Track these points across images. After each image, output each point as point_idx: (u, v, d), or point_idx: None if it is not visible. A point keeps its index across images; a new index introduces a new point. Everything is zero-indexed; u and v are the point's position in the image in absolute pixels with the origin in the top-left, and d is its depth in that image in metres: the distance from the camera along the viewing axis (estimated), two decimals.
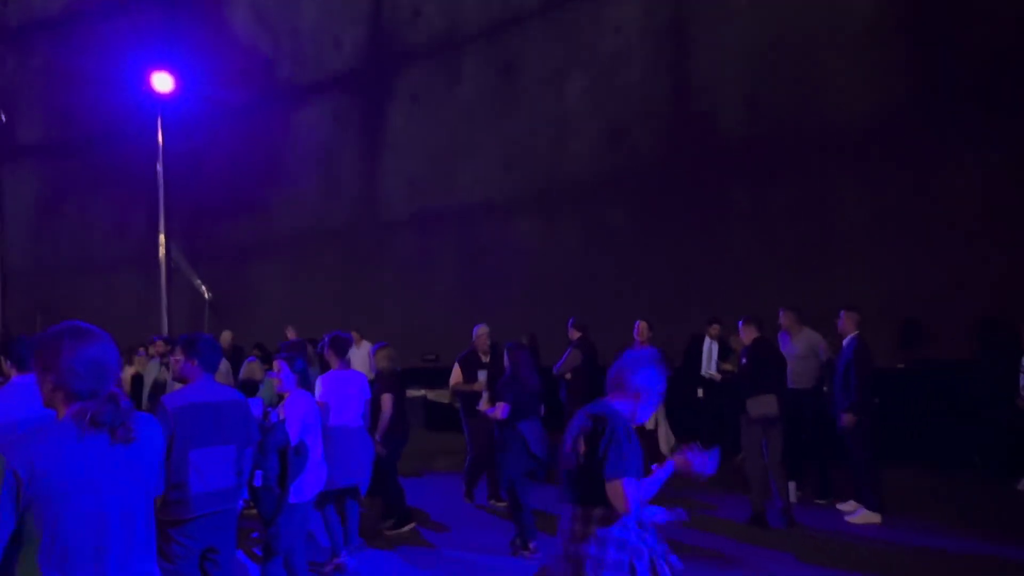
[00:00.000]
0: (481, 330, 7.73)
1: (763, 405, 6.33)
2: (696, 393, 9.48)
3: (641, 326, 8.05)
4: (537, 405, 6.10)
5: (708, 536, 6.16)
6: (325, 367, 6.11)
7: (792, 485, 7.30)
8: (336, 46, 18.29)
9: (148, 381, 8.17)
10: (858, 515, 6.54)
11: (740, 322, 6.77)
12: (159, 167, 15.80)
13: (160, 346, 8.85)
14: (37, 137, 20.35)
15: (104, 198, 19.34)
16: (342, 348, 5.82)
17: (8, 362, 4.62)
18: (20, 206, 19.98)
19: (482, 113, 15.76)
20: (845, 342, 6.75)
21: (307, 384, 4.69)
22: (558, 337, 9.03)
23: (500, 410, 5.77)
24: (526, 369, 6.01)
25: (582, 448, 2.90)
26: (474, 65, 16.16)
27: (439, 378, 12.38)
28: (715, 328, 9.60)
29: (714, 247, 12.05)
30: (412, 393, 12.66)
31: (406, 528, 6.50)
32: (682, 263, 12.35)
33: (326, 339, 5.96)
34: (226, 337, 11.17)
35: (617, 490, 2.81)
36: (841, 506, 6.88)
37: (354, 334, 11.45)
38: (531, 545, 5.77)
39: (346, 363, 5.86)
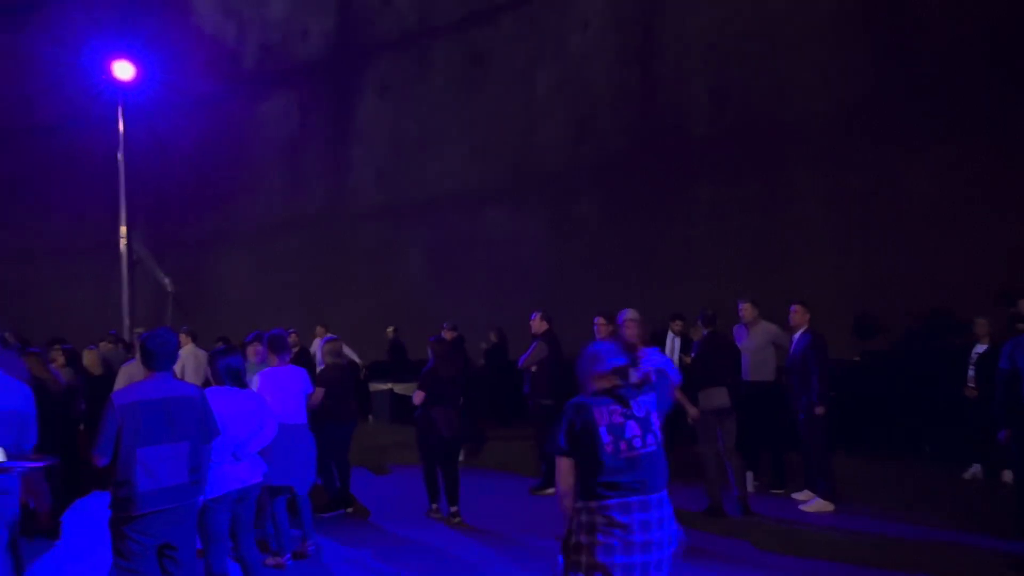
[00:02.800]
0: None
1: (715, 397, 6.48)
2: None
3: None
4: (455, 394, 6.51)
5: None
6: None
7: (749, 475, 7.46)
8: (304, 36, 18.10)
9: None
10: (812, 504, 6.71)
11: (699, 317, 6.94)
12: (120, 156, 15.51)
13: (110, 341, 8.73)
14: None
15: (63, 186, 18.94)
16: (280, 345, 5.79)
17: None
18: None
19: (451, 104, 15.73)
20: (796, 336, 6.92)
21: (236, 382, 4.47)
22: (525, 327, 9.09)
23: (416, 396, 6.41)
24: (445, 361, 6.53)
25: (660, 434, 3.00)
26: (444, 56, 16.11)
27: (406, 371, 12.38)
28: (678, 323, 9.73)
29: (678, 239, 12.22)
30: (378, 387, 12.65)
31: (339, 512, 6.70)
32: (647, 254, 12.50)
33: (265, 336, 5.94)
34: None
35: None
36: (796, 495, 7.05)
37: (319, 328, 11.41)
38: (434, 506, 6.55)
39: (286, 360, 5.81)
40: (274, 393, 5.56)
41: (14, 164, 20.03)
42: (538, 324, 7.85)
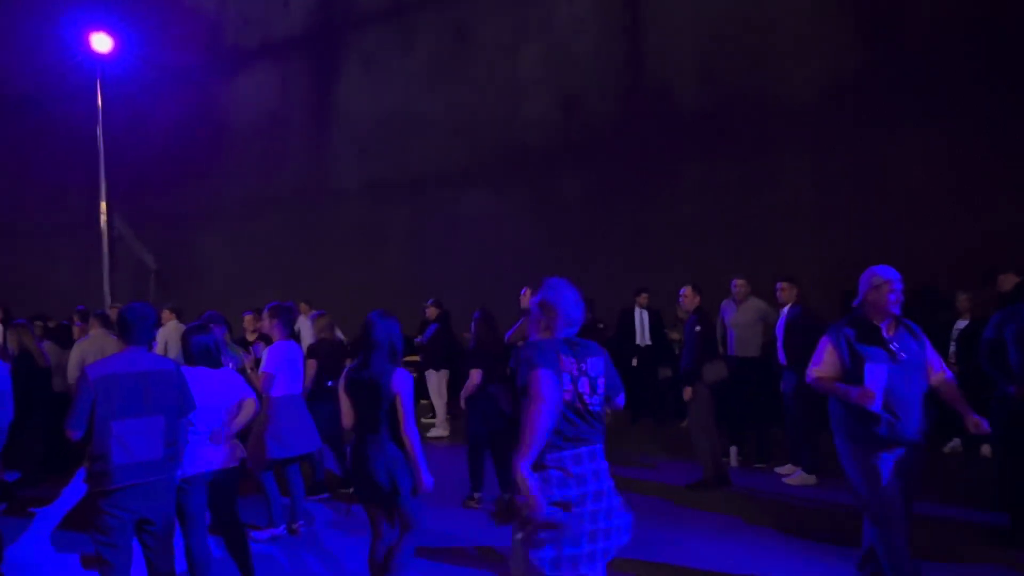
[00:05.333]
0: None
1: (716, 370, 6.52)
2: (631, 362, 9.68)
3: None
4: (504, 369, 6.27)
5: (649, 499, 6.33)
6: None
7: (733, 449, 7.53)
8: (285, 8, 17.78)
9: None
10: (795, 476, 6.78)
11: (682, 291, 6.88)
12: (99, 130, 15.22)
13: (78, 318, 8.64)
14: None
15: (42, 160, 18.61)
16: (287, 319, 5.74)
17: None
18: None
19: (435, 80, 15.55)
20: (785, 310, 6.95)
21: (208, 360, 4.32)
22: (510, 306, 9.07)
23: (475, 376, 6.17)
24: (491, 337, 6.41)
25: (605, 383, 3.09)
26: (427, 31, 15.90)
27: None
28: (644, 297, 9.80)
29: (664, 218, 12.21)
30: None
31: (325, 495, 6.63)
32: (632, 234, 12.49)
33: (266, 310, 5.88)
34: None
35: None
36: (779, 469, 7.12)
37: (301, 304, 11.33)
38: (476, 495, 6.25)
39: (289, 333, 5.78)
40: (283, 367, 5.58)
41: None
42: (528, 299, 7.83)
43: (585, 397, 2.97)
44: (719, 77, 12.00)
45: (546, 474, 2.90)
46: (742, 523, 5.72)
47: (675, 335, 9.86)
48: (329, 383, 6.50)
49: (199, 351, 4.33)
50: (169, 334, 8.48)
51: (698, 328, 6.64)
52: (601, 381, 3.05)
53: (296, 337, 9.65)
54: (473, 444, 6.32)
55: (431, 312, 9.98)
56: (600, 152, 13.25)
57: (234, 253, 17.35)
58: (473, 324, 6.51)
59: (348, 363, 5.69)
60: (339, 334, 11.68)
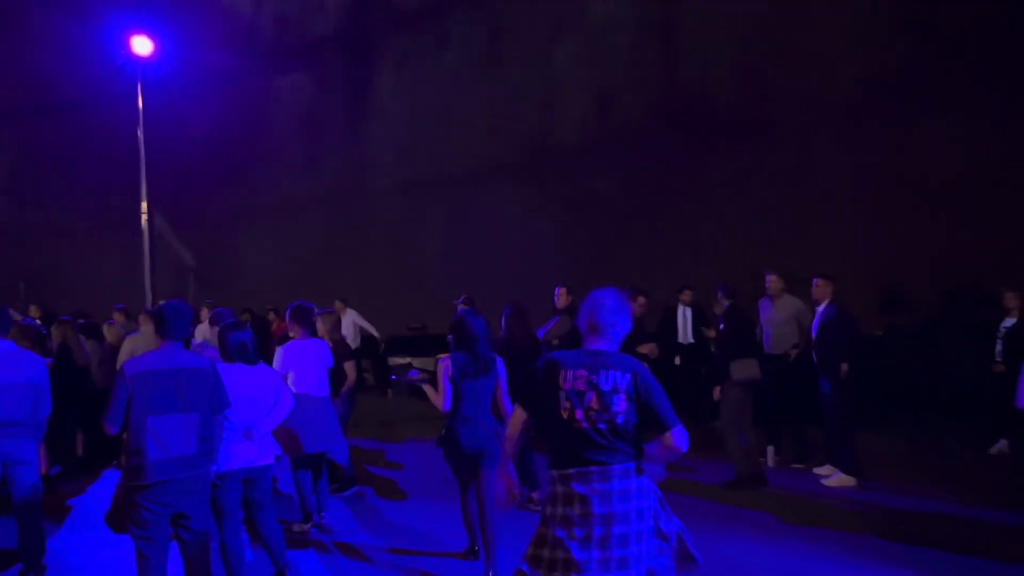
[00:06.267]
0: None
1: (747, 368, 6.42)
2: (673, 360, 9.56)
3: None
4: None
5: (685, 499, 6.25)
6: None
7: (770, 449, 7.40)
8: (321, 9, 17.98)
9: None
10: (834, 478, 6.64)
11: (719, 289, 6.84)
12: (140, 132, 15.55)
13: (119, 316, 8.80)
14: (16, 100, 19.98)
15: (86, 163, 19.10)
16: (304, 318, 5.75)
17: None
18: (2, 170, 19.70)
19: (470, 78, 15.58)
20: (821, 309, 6.83)
21: (243, 356, 4.37)
22: (545, 303, 9.04)
23: None
24: (521, 332, 6.39)
25: (628, 402, 2.82)
26: (462, 30, 15.94)
27: (425, 347, 12.40)
28: (687, 294, 9.66)
29: (701, 212, 12.06)
30: (397, 361, 12.69)
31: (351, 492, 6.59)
32: (668, 230, 12.37)
33: (288, 309, 5.88)
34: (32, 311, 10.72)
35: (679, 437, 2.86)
36: (817, 470, 6.98)
37: (338, 302, 11.43)
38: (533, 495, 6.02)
39: (309, 332, 5.77)
40: (296, 366, 5.57)
41: (40, 143, 20.23)
42: (563, 298, 7.80)
43: (592, 414, 2.81)
44: (755, 73, 11.83)
45: (552, 490, 2.86)
46: (777, 523, 5.62)
47: (711, 333, 9.74)
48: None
49: (235, 348, 4.38)
50: (206, 330, 8.61)
51: (721, 326, 6.56)
52: (619, 398, 2.81)
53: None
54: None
55: (463, 308, 9.99)
56: (635, 149, 13.14)
57: (271, 251, 17.60)
58: (503, 319, 6.48)
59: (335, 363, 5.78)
60: (369, 329, 11.79)
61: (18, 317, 8.15)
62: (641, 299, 7.15)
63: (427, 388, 4.87)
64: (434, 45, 16.31)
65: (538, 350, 6.51)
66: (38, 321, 8.36)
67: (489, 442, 4.60)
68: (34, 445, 4.69)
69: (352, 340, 11.37)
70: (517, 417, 3.07)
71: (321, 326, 6.37)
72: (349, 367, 6.29)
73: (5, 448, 4.53)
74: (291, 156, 17.95)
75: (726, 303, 6.73)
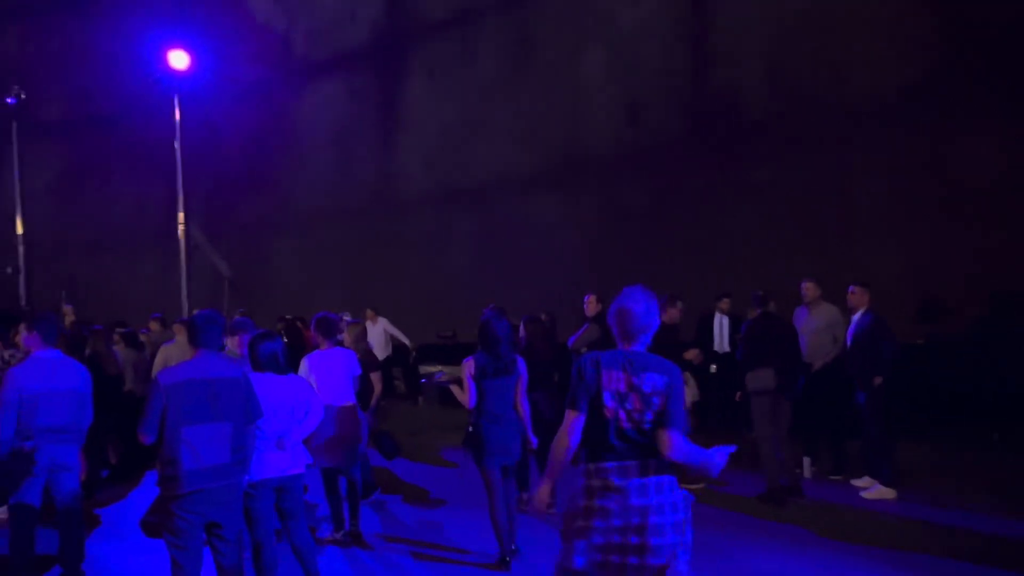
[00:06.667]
0: None
1: (760, 379, 6.34)
2: (709, 369, 9.43)
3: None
4: (552, 374, 6.41)
5: (721, 512, 6.15)
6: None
7: (807, 460, 7.26)
8: (352, 22, 18.19)
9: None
10: (873, 491, 6.48)
11: (752, 298, 6.79)
12: (176, 145, 15.84)
13: (155, 325, 8.93)
14: (58, 114, 20.52)
15: (124, 175, 19.52)
16: (327, 329, 5.78)
17: (32, 336, 4.69)
18: (42, 183, 20.20)
19: (499, 88, 15.63)
20: (856, 317, 6.71)
21: (274, 366, 4.38)
22: (575, 311, 9.01)
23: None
24: (541, 342, 6.39)
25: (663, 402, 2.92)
26: (491, 39, 16.01)
27: (455, 354, 12.41)
28: (725, 302, 9.53)
29: (733, 222, 11.92)
30: (428, 369, 12.73)
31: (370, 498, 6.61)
32: (700, 238, 12.24)
33: (312, 320, 5.91)
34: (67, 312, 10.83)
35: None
36: (855, 482, 6.83)
37: (368, 311, 11.51)
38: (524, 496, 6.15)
39: (334, 342, 5.79)
40: (320, 375, 5.60)
41: (79, 157, 20.74)
42: (592, 306, 7.75)
43: (635, 415, 2.93)
44: (788, 78, 11.68)
45: (588, 482, 2.94)
46: (813, 537, 5.50)
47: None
48: None
49: (266, 357, 4.41)
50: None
51: (739, 336, 6.51)
52: (657, 399, 2.93)
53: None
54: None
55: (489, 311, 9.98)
56: (665, 156, 13.05)
57: (304, 261, 17.80)
58: (521, 328, 6.50)
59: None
60: (401, 338, 11.83)
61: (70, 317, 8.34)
62: (679, 304, 7.11)
63: (454, 388, 5.18)
64: (463, 56, 16.41)
65: (559, 356, 6.54)
66: (71, 326, 8.52)
67: (513, 438, 4.96)
68: (77, 451, 4.79)
69: (383, 349, 11.43)
70: (569, 427, 2.98)
71: (347, 336, 6.41)
72: (375, 378, 6.30)
73: (52, 453, 4.61)
74: (323, 167, 18.16)
75: (757, 311, 6.66)
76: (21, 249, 17.32)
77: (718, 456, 2.96)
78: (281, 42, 18.64)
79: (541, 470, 6.14)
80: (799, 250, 10.89)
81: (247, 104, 18.01)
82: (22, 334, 4.86)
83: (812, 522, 5.79)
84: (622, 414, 2.92)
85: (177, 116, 15.79)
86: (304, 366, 5.60)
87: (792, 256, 10.78)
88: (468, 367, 4.96)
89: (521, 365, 5.09)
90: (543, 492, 3.09)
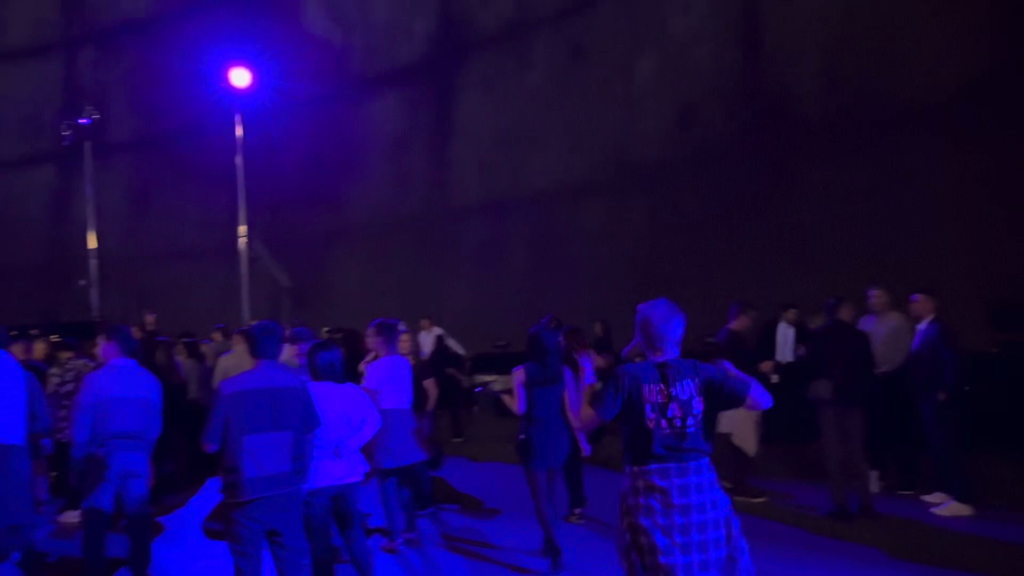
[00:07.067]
0: None
1: (820, 388, 6.14)
2: (770, 379, 9.17)
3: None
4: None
5: (785, 528, 5.96)
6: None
7: (875, 474, 6.98)
8: (407, 36, 18.46)
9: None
10: (946, 507, 6.19)
11: (826, 304, 6.56)
12: (238, 160, 16.30)
13: (218, 335, 9.14)
14: (127, 133, 21.36)
15: (190, 190, 20.15)
16: (390, 335, 5.83)
17: (110, 346, 4.86)
18: (114, 198, 21.03)
19: (552, 97, 15.64)
20: (922, 326, 6.44)
21: (332, 375, 4.46)
22: (629, 320, 8.91)
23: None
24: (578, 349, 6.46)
25: (703, 403, 3.10)
26: (544, 49, 16.04)
27: (510, 364, 12.38)
28: (792, 313, 9.26)
29: (789, 227, 11.62)
30: (483, 378, 12.73)
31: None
32: (754, 245, 11.97)
33: (370, 327, 5.97)
34: (149, 320, 11.03)
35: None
36: (927, 497, 6.53)
37: (424, 320, 11.57)
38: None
39: (394, 349, 5.85)
40: (384, 382, 5.66)
41: (148, 173, 21.52)
42: None
43: (676, 422, 3.07)
44: (842, 79, 11.36)
45: (633, 483, 3.09)
46: (883, 556, 5.27)
47: (801, 350, 9.31)
48: None
49: (324, 367, 4.47)
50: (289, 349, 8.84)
51: (801, 346, 6.32)
52: (696, 402, 3.08)
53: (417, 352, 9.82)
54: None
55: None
56: (719, 161, 12.84)
57: (361, 270, 18.07)
58: (561, 336, 6.47)
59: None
60: (456, 347, 11.86)
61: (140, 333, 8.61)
62: (751, 312, 6.98)
63: (505, 397, 5.41)
64: (516, 65, 16.48)
65: (606, 366, 6.52)
66: (143, 336, 8.79)
67: (560, 443, 5.22)
68: (146, 459, 4.92)
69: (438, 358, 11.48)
70: (588, 420, 3.25)
71: (402, 344, 6.47)
72: (430, 384, 6.34)
73: (123, 460, 4.74)
74: (379, 178, 18.44)
75: (828, 318, 6.43)
76: (94, 263, 18.03)
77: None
78: (338, 57, 19.04)
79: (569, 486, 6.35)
80: (856, 255, 10.55)
81: (305, 118, 18.43)
82: (100, 344, 5.03)
83: (881, 541, 5.55)
84: (663, 423, 3.05)
85: (239, 132, 16.26)
86: (368, 373, 5.67)
87: (849, 262, 10.44)
88: (518, 376, 5.20)
89: (568, 375, 5.36)
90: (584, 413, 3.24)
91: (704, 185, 13.04)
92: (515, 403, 5.22)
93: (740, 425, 6.83)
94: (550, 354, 5.22)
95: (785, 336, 9.29)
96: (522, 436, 5.20)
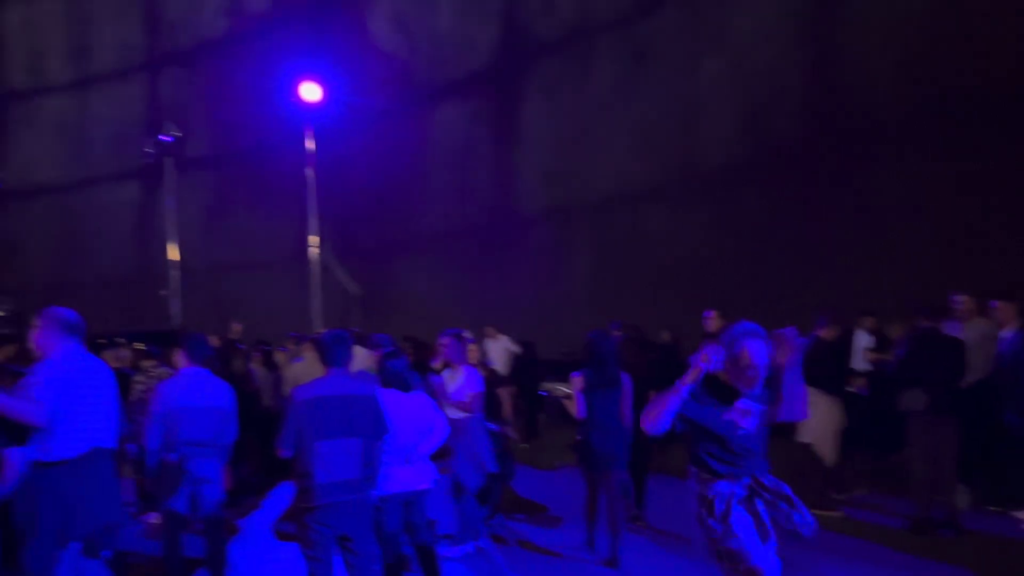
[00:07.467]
0: None
1: (911, 398, 5.86)
2: (847, 390, 8.84)
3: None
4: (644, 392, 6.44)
5: (865, 545, 5.72)
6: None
7: (963, 489, 6.64)
8: (471, 46, 18.66)
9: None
10: None
11: (916, 311, 6.28)
12: (309, 172, 16.75)
13: (292, 344, 9.36)
14: (205, 149, 22.23)
15: (263, 202, 20.82)
16: (461, 347, 5.87)
17: (181, 355, 5.04)
18: (194, 212, 21.90)
19: (614, 102, 15.55)
20: (1005, 335, 6.10)
21: (400, 383, 4.54)
22: (694, 326, 8.74)
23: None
24: (637, 359, 6.56)
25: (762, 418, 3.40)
26: (606, 54, 15.98)
27: (574, 370, 12.31)
28: (870, 320, 8.90)
29: (863, 230, 11.20)
30: (549, 385, 12.70)
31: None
32: (826, 248, 11.59)
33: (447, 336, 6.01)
34: (235, 329, 11.27)
35: None
36: (1017, 513, 6.17)
37: (490, 328, 11.62)
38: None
39: (465, 358, 5.90)
40: (455, 392, 5.72)
41: (224, 187, 22.37)
42: (714, 322, 7.51)
43: (740, 432, 3.32)
44: (920, 76, 10.89)
45: (703, 489, 3.34)
46: (967, 574, 5.00)
47: (874, 355, 8.92)
48: None
49: (393, 375, 4.54)
50: (363, 357, 9.00)
51: (898, 352, 6.03)
52: (758, 416, 3.37)
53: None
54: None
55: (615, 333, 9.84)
56: (787, 163, 12.50)
57: (428, 278, 18.30)
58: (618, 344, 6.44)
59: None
60: (496, 359, 11.84)
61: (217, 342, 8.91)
62: (836, 327, 6.84)
63: (566, 402, 5.70)
64: (579, 71, 16.45)
65: (659, 374, 6.37)
66: (222, 344, 9.09)
67: (617, 446, 5.37)
68: (219, 465, 5.06)
69: (504, 366, 11.51)
70: (652, 421, 3.29)
71: (471, 353, 6.49)
72: (503, 393, 6.37)
73: (195, 466, 4.91)
74: (444, 187, 18.67)
75: (923, 325, 6.12)
76: (175, 273, 18.80)
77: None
78: (404, 69, 19.39)
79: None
80: (935, 260, 10.09)
81: (372, 130, 18.82)
82: (178, 353, 5.22)
83: (968, 559, 5.27)
84: (732, 437, 3.29)
85: (310, 146, 16.73)
86: (435, 382, 5.73)
87: (930, 264, 10.00)
88: (577, 381, 5.39)
89: (626, 380, 5.49)
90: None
91: (770, 189, 12.71)
92: (574, 408, 5.42)
93: (820, 434, 6.60)
94: (607, 360, 5.36)
95: (862, 344, 8.96)
96: (580, 439, 5.39)
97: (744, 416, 3.32)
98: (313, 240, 17.03)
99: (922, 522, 5.88)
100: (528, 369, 11.53)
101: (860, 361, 8.85)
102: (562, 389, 12.35)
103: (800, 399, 3.47)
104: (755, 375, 3.28)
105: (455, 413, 5.69)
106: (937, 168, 10.62)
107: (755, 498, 3.35)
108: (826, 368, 6.68)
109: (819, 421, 6.54)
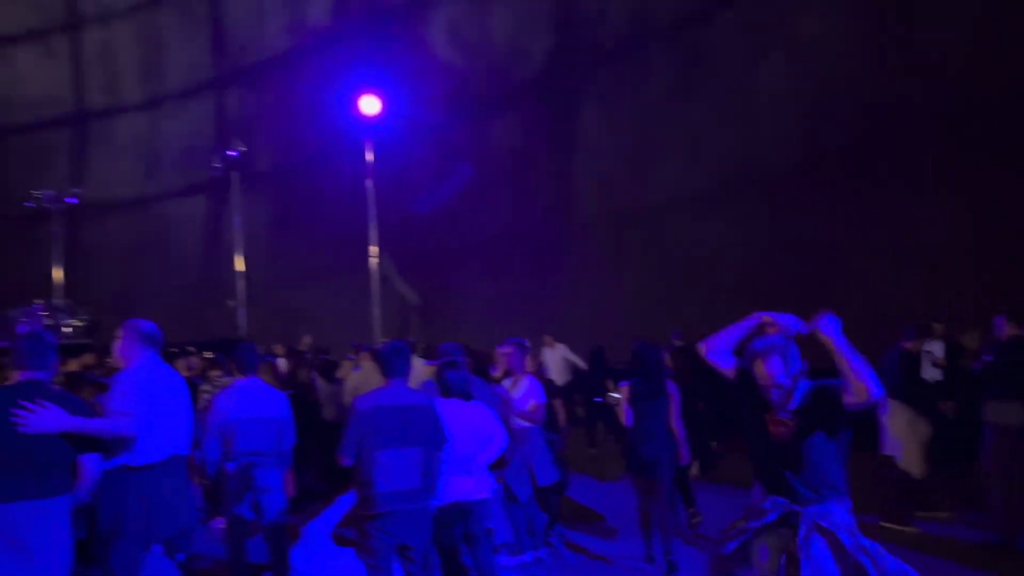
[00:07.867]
0: None
1: (1002, 412, 5.57)
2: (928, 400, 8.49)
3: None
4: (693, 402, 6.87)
5: (941, 564, 5.49)
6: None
7: None
8: (526, 55, 18.74)
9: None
10: None
11: (997, 318, 5.98)
12: (369, 183, 17.05)
13: (353, 353, 9.52)
14: (269, 162, 22.87)
15: (324, 214, 21.27)
16: (522, 356, 5.90)
17: (234, 365, 5.19)
18: (258, 224, 22.53)
19: (671, 108, 15.38)
20: None
21: (460, 393, 4.56)
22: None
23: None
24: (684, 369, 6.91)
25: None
26: (662, 59, 15.83)
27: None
28: (939, 327, 8.56)
29: (925, 238, 10.75)
30: (609, 394, 12.61)
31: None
32: (892, 255, 11.18)
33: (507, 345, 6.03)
34: (306, 341, 11.46)
35: None
36: None
37: (547, 337, 11.61)
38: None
39: (524, 368, 5.93)
40: (516, 402, 5.73)
41: (288, 199, 22.95)
42: (1008, 329, 7.28)
43: (778, 441, 3.26)
44: (994, 72, 10.41)
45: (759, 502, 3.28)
46: None
47: (942, 362, 8.57)
48: None
49: (453, 385, 4.59)
50: (419, 367, 9.10)
51: (987, 359, 5.76)
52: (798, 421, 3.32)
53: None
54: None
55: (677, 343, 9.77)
56: (848, 168, 12.12)
57: (484, 288, 18.40)
58: (667, 353, 6.44)
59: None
60: (577, 362, 11.77)
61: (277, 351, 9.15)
62: (921, 340, 6.72)
63: (617, 410, 5.80)
64: (634, 76, 16.33)
65: (709, 386, 6.49)
66: (281, 359, 9.33)
67: (663, 453, 5.49)
68: (279, 473, 5.18)
69: (562, 375, 11.47)
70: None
71: (528, 363, 6.50)
72: (558, 404, 6.37)
73: (254, 475, 5.04)
74: (501, 196, 18.76)
75: (1013, 332, 5.84)
76: (241, 284, 19.37)
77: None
78: (462, 81, 19.59)
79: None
80: (1010, 265, 9.62)
81: (430, 140, 19.07)
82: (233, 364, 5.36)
83: None
84: (766, 443, 3.26)
85: (370, 157, 17.03)
86: (501, 392, 5.76)
87: (1003, 272, 9.54)
88: (625, 391, 5.59)
89: (673, 389, 5.63)
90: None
91: (832, 193, 12.34)
92: (623, 414, 5.58)
93: (906, 446, 6.37)
94: (653, 369, 5.52)
95: (934, 353, 8.63)
96: (628, 448, 5.58)
97: (777, 425, 3.18)
98: (373, 251, 17.31)
99: (1001, 540, 5.61)
100: (597, 375, 11.42)
101: (928, 369, 8.53)
102: (615, 396, 12.24)
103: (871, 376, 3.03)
104: (780, 393, 3.15)
105: (518, 423, 5.71)
106: (1008, 171, 10.16)
107: (792, 528, 3.07)
108: (911, 380, 6.48)
109: (902, 433, 6.33)
